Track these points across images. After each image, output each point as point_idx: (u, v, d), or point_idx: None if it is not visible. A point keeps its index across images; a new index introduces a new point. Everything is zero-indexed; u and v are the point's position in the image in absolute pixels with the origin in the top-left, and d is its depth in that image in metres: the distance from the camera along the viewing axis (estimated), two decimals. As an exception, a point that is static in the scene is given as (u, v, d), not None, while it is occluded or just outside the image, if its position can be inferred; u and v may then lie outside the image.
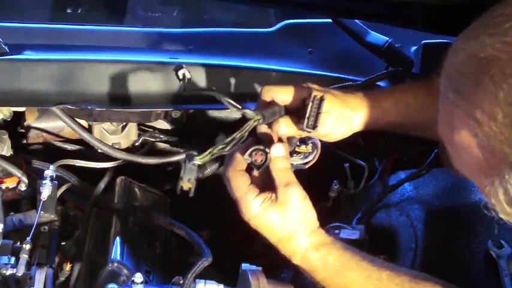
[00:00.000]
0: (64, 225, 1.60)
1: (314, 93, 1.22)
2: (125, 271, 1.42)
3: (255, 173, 1.26)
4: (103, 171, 1.70)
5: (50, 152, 1.76)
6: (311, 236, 1.25)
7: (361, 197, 1.65)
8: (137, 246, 1.52)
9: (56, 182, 1.49)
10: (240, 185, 1.25)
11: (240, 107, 1.23)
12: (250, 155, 1.25)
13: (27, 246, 1.33)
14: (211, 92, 1.33)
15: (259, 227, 1.25)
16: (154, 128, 1.81)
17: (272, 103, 1.30)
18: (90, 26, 1.80)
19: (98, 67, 1.62)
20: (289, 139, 1.31)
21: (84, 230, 1.58)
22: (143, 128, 1.80)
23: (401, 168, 1.67)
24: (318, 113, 1.22)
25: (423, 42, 1.80)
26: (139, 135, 1.77)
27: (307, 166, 1.34)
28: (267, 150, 1.26)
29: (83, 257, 1.53)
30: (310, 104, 1.22)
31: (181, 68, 1.40)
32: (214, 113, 1.79)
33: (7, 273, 1.28)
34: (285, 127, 1.27)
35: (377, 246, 1.46)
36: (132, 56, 1.66)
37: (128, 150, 1.74)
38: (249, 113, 1.20)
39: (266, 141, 1.28)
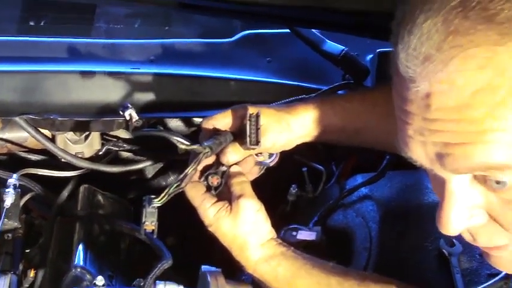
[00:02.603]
0: (29, 233, 1.62)
1: (249, 111, 1.29)
2: (88, 276, 1.44)
3: (213, 192, 1.34)
4: (66, 180, 1.73)
5: (14, 163, 1.79)
6: (262, 248, 1.31)
7: (319, 200, 1.69)
8: (100, 252, 1.55)
9: (19, 190, 1.52)
10: (195, 195, 1.33)
11: (189, 144, 1.34)
12: (206, 179, 1.33)
13: (-7, 254, 1.37)
14: (160, 132, 1.39)
15: (215, 234, 1.32)
16: (117, 138, 1.84)
17: (216, 131, 1.37)
18: (53, 38, 1.83)
19: (60, 78, 1.66)
20: None
21: (48, 237, 1.60)
22: (106, 137, 1.83)
23: (359, 172, 1.72)
24: (257, 129, 1.29)
25: (378, 50, 1.86)
26: (102, 145, 1.80)
27: (271, 164, 1.42)
28: (223, 169, 1.34)
29: (47, 264, 1.56)
30: (248, 122, 1.28)
31: (128, 108, 1.44)
32: (175, 122, 1.82)
33: (-29, 280, 1.31)
34: (233, 154, 1.35)
35: (334, 247, 1.51)
36: (93, 67, 1.70)
37: (91, 159, 1.77)
38: (197, 148, 1.27)
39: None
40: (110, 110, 1.67)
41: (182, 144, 1.32)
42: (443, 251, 1.45)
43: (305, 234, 1.49)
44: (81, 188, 1.68)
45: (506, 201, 0.84)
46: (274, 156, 1.42)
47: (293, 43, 1.90)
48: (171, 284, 1.28)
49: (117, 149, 1.83)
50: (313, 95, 1.69)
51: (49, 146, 1.67)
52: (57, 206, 1.65)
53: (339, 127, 1.40)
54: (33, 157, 1.81)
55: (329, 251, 1.47)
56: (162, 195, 1.21)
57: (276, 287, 1.29)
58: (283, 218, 1.63)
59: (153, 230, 1.24)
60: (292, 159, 1.72)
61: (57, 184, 1.72)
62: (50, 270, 1.54)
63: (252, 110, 1.30)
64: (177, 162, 1.86)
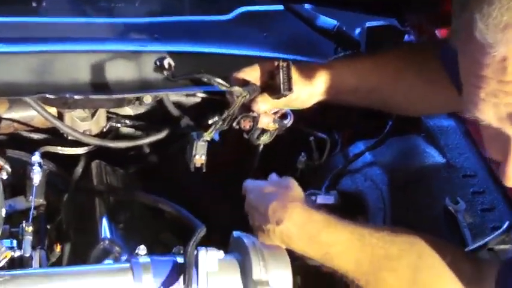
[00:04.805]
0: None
1: (281, 62, 1.42)
2: (117, 248, 1.50)
3: (245, 136, 1.46)
4: (72, 158, 1.76)
5: (19, 142, 1.80)
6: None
7: (325, 168, 1.79)
8: (123, 224, 1.60)
9: (45, 167, 1.55)
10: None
11: (229, 86, 1.43)
12: (238, 123, 1.43)
13: (30, 228, 1.39)
14: (200, 74, 1.46)
15: None
16: (118, 114, 1.87)
17: (245, 82, 1.47)
18: (56, 18, 1.84)
19: (70, 58, 1.68)
20: None
21: (67, 213, 1.64)
22: (109, 114, 1.86)
23: (357, 139, 1.82)
24: (289, 77, 1.41)
25: (367, 25, 1.95)
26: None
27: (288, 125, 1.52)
28: (254, 114, 1.44)
29: (70, 239, 1.60)
30: (281, 71, 1.40)
31: (165, 58, 1.51)
32: (179, 98, 1.87)
33: (15, 255, 1.33)
34: (263, 104, 1.45)
35: (349, 209, 1.60)
36: (102, 46, 1.73)
37: (97, 136, 1.81)
38: (237, 90, 1.41)
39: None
40: (120, 88, 1.70)
41: (223, 86, 1.43)
42: (449, 208, 1.57)
43: (323, 198, 1.58)
44: (94, 164, 1.73)
45: None
46: (289, 117, 1.52)
47: (287, 19, 1.97)
48: (212, 250, 1.33)
49: (120, 125, 1.86)
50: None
51: (58, 124, 1.70)
52: (73, 181, 1.68)
53: (354, 86, 1.52)
54: (36, 136, 1.82)
55: (345, 214, 1.56)
56: (210, 130, 1.40)
57: (310, 228, 1.35)
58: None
59: (201, 164, 1.40)
60: (295, 130, 1.79)
61: (62, 162, 1.76)
62: (74, 245, 1.58)
63: (283, 61, 1.41)
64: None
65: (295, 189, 1.44)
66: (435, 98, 1.54)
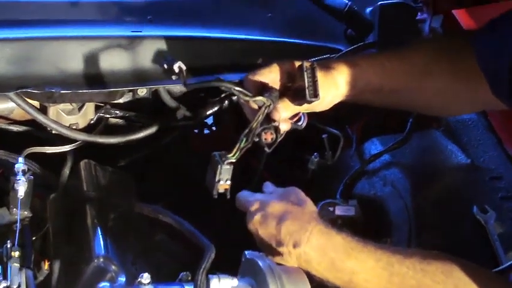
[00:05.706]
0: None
1: (305, 64, 1.23)
2: (113, 267, 1.34)
3: (266, 150, 1.27)
4: (58, 155, 1.58)
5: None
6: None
7: (338, 167, 1.63)
8: (118, 236, 1.43)
9: (32, 177, 1.36)
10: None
11: (251, 95, 1.24)
12: (259, 136, 1.25)
13: (17, 254, 1.22)
14: (217, 82, 1.28)
15: None
16: (106, 103, 1.68)
17: (262, 86, 1.29)
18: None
19: (57, 45, 1.48)
20: None
21: (54, 222, 1.47)
22: (97, 104, 1.67)
23: (370, 132, 1.67)
24: (314, 81, 1.23)
25: (379, 3, 1.77)
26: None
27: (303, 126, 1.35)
28: (275, 124, 1.26)
29: (59, 253, 1.43)
30: (305, 74, 1.22)
31: (174, 61, 1.30)
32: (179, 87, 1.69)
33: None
34: (284, 112, 1.28)
35: (368, 221, 1.46)
36: (91, 31, 1.53)
37: (85, 130, 1.63)
38: (261, 100, 1.23)
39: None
40: (113, 79, 1.51)
41: (245, 95, 1.24)
42: (479, 218, 1.44)
43: (343, 210, 1.44)
44: (82, 164, 1.55)
45: None
46: (303, 118, 1.34)
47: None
48: (225, 278, 1.18)
49: (108, 116, 1.68)
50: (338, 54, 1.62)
51: (42, 119, 1.51)
52: (61, 186, 1.51)
53: (377, 87, 1.36)
54: (16, 129, 1.63)
55: (364, 226, 1.42)
56: (235, 151, 1.22)
57: (332, 256, 1.20)
58: (301, 187, 1.55)
59: (225, 190, 1.24)
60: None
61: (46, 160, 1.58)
62: (64, 262, 1.41)
63: (306, 62, 1.24)
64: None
65: (308, 203, 1.29)
66: (466, 98, 1.40)
